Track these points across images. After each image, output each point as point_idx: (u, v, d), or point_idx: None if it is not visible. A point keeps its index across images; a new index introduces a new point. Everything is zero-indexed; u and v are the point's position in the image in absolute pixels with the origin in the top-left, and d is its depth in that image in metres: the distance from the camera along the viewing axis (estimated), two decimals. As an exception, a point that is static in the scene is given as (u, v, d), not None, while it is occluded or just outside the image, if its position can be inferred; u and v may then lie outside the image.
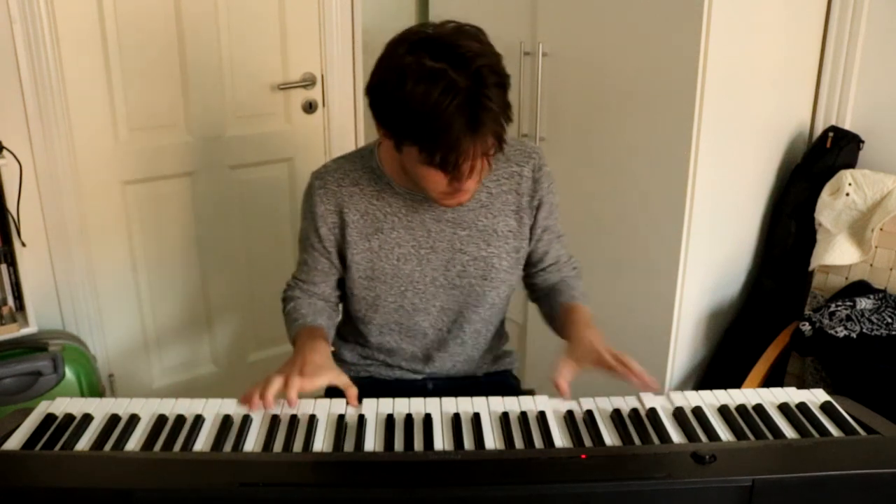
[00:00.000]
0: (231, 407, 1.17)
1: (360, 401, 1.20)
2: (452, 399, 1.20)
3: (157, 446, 1.08)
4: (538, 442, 1.10)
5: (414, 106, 1.09)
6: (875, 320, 1.82)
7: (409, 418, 1.14)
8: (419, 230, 1.37)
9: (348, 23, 2.39)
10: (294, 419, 1.13)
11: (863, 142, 2.06)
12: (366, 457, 1.06)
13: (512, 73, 1.17)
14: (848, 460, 1.02)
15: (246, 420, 1.13)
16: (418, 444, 1.09)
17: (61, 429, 1.10)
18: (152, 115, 2.15)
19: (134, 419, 1.13)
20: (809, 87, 2.14)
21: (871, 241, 1.93)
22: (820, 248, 2.01)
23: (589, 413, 1.15)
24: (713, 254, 2.01)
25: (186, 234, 2.31)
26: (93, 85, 2.04)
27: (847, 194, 1.97)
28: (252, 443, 1.10)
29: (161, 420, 1.13)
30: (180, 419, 1.13)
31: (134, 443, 1.09)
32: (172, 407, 1.17)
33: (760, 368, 1.88)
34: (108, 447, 1.07)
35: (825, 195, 2.01)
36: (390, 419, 1.15)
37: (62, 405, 1.17)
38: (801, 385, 1.67)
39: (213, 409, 1.17)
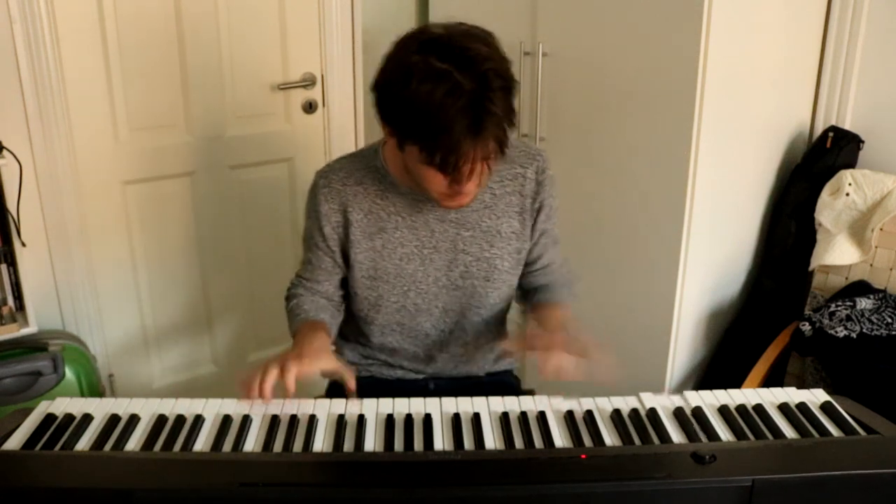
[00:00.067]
0: (231, 407, 1.17)
1: (360, 401, 1.20)
2: (452, 399, 1.20)
3: (157, 446, 1.08)
4: (538, 442, 1.10)
5: (417, 105, 1.09)
6: (875, 320, 1.82)
7: (409, 418, 1.14)
8: (422, 230, 1.37)
9: (348, 23, 2.39)
10: (294, 419, 1.13)
11: (863, 142, 2.06)
12: (366, 457, 1.06)
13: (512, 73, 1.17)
14: (848, 460, 1.02)
15: (246, 420, 1.13)
16: (418, 444, 1.09)
17: (61, 429, 1.11)
18: (152, 115, 2.15)
19: (134, 419, 1.13)
20: (809, 87, 2.14)
21: (871, 241, 1.93)
22: (820, 248, 2.01)
23: (589, 413, 1.15)
24: (713, 254, 2.01)
25: (186, 234, 2.31)
26: (93, 85, 2.04)
27: (847, 194, 1.97)
28: (252, 443, 1.10)
29: (161, 420, 1.13)
30: (180, 419, 1.14)
31: (134, 443, 1.09)
32: (172, 407, 1.17)
33: (760, 368, 1.88)
34: (108, 447, 1.07)
35: (825, 195, 2.01)
36: (390, 419, 1.15)
37: (62, 405, 1.17)
38: (801, 385, 1.67)
39: (213, 409, 1.17)
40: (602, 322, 2.11)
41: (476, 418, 1.14)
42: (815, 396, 1.22)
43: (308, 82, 2.38)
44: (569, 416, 1.15)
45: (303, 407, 1.17)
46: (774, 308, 2.14)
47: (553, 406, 1.18)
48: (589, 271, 2.09)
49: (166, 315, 2.35)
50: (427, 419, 1.14)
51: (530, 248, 1.45)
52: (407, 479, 0.97)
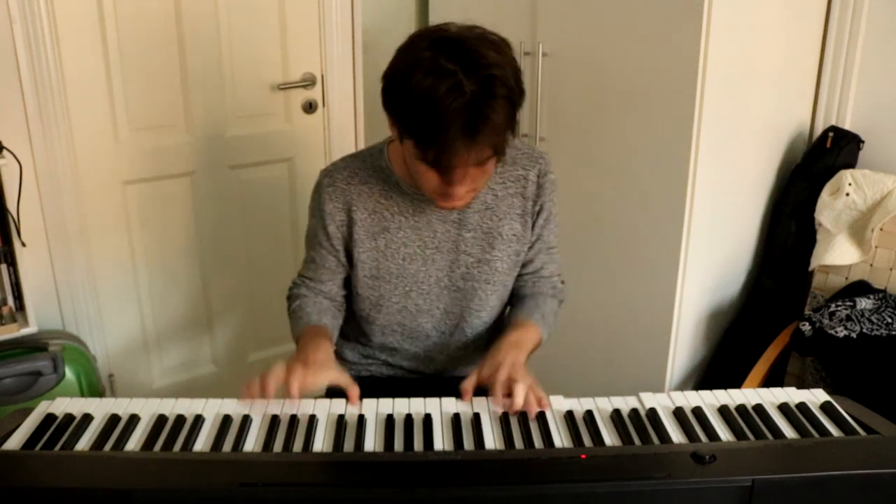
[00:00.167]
0: (231, 407, 1.17)
1: (360, 400, 1.20)
2: (452, 399, 1.20)
3: (157, 446, 1.08)
4: (538, 442, 1.10)
5: (417, 97, 1.10)
6: (875, 320, 1.82)
7: (409, 418, 1.14)
8: (425, 230, 1.37)
9: (348, 23, 2.39)
10: (294, 419, 1.13)
11: (863, 142, 2.06)
12: (366, 457, 1.06)
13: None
14: (848, 460, 1.02)
15: (246, 420, 1.13)
16: (418, 444, 1.09)
17: (61, 429, 1.11)
18: (152, 115, 2.15)
19: (134, 419, 1.13)
20: (809, 87, 2.14)
21: (871, 241, 1.93)
22: (820, 248, 2.01)
23: (589, 413, 1.15)
24: (713, 254, 2.01)
25: (187, 234, 2.31)
26: (93, 85, 2.04)
27: (847, 194, 1.97)
28: (252, 443, 1.10)
29: (161, 420, 1.13)
30: (180, 419, 1.13)
31: (134, 443, 1.09)
32: (172, 407, 1.17)
33: (760, 368, 1.88)
34: (108, 447, 1.07)
35: (825, 195, 2.01)
36: (390, 419, 1.15)
37: (62, 405, 1.17)
38: (801, 385, 1.67)
39: (213, 409, 1.17)
40: (602, 322, 2.11)
41: (476, 418, 1.14)
42: (815, 396, 1.22)
43: (308, 82, 2.38)
44: (569, 416, 1.15)
45: (303, 407, 1.17)
46: (774, 308, 2.14)
47: (553, 406, 1.18)
48: (589, 271, 2.09)
49: (166, 315, 2.35)
50: (427, 419, 1.14)
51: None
52: (407, 479, 0.97)
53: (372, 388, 1.38)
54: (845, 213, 1.98)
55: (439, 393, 1.22)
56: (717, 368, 2.16)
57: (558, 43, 2.02)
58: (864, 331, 1.80)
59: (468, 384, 1.22)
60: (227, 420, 1.13)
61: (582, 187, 2.05)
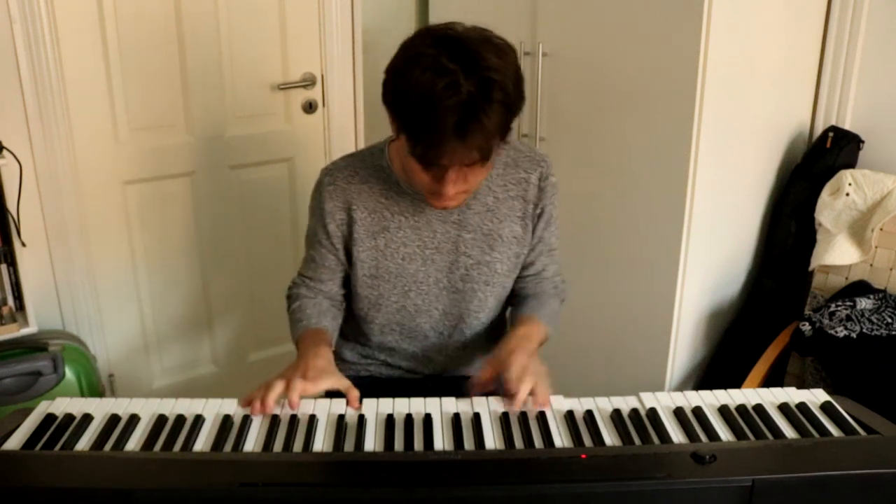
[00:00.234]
0: (231, 407, 1.18)
1: (360, 402, 1.20)
2: (452, 399, 1.20)
3: (157, 446, 1.08)
4: (538, 442, 1.10)
5: (414, 91, 1.10)
6: (875, 320, 1.82)
7: (409, 418, 1.14)
8: (425, 230, 1.37)
9: (348, 23, 2.39)
10: (294, 419, 1.13)
11: (863, 142, 2.06)
12: (366, 457, 1.06)
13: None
14: (848, 460, 1.02)
15: (246, 420, 1.13)
16: (418, 444, 1.09)
17: (61, 429, 1.10)
18: (152, 115, 2.15)
19: (134, 419, 1.13)
20: (809, 87, 2.14)
21: (871, 241, 1.93)
22: (820, 248, 2.01)
23: (589, 413, 1.15)
24: (713, 254, 2.01)
25: (187, 234, 2.31)
26: (93, 85, 2.04)
27: (847, 194, 1.97)
28: (252, 443, 1.10)
29: (161, 420, 1.13)
30: (180, 419, 1.13)
31: (134, 443, 1.09)
32: (172, 407, 1.17)
33: (760, 368, 1.88)
34: (108, 447, 1.07)
35: (825, 195, 2.01)
36: (390, 419, 1.15)
37: (62, 405, 1.17)
38: (801, 385, 1.67)
39: (213, 409, 1.17)
40: (602, 322, 2.11)
41: (476, 418, 1.14)
42: (815, 396, 1.22)
43: (308, 82, 2.38)
44: (569, 416, 1.15)
45: (303, 407, 1.17)
46: (774, 308, 2.14)
47: (553, 406, 1.18)
48: (589, 271, 2.09)
49: (166, 315, 2.35)
50: (427, 419, 1.14)
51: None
52: (407, 479, 0.97)
53: (371, 388, 1.38)
54: (845, 213, 1.98)
55: (439, 393, 1.22)
56: (717, 368, 2.16)
57: (558, 43, 2.02)
58: (864, 331, 1.80)
59: (481, 376, 1.23)
60: (227, 420, 1.13)
61: (582, 187, 2.05)
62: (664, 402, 1.20)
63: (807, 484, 0.97)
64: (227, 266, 2.40)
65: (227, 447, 1.08)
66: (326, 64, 2.39)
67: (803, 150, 2.16)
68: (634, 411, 1.16)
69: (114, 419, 1.13)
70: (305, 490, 0.96)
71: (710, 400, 1.21)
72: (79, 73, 2.00)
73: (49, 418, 1.13)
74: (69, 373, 1.90)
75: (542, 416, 1.15)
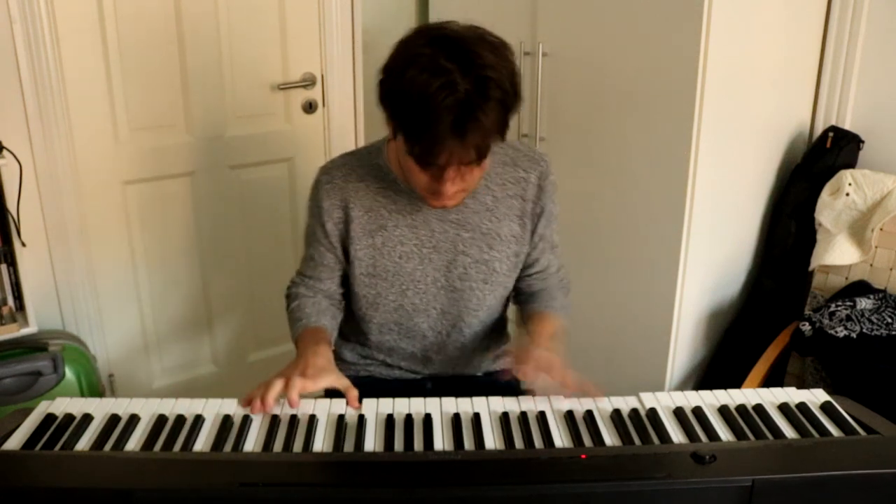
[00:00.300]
0: (231, 407, 1.17)
1: (360, 402, 1.20)
2: (452, 399, 1.20)
3: (157, 446, 1.08)
4: (538, 442, 1.10)
5: (410, 91, 1.10)
6: (875, 320, 1.82)
7: (409, 418, 1.14)
8: (423, 229, 1.37)
9: (348, 23, 2.39)
10: (294, 419, 1.13)
11: (863, 142, 2.06)
12: (366, 457, 1.06)
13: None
14: (848, 460, 1.02)
15: (246, 420, 1.13)
16: (418, 444, 1.09)
17: (61, 429, 1.10)
18: (152, 115, 2.15)
19: (134, 419, 1.13)
20: (809, 87, 2.14)
21: (871, 241, 1.93)
22: (820, 248, 2.01)
23: (589, 413, 1.15)
24: (713, 254, 2.01)
25: (187, 234, 2.31)
26: (93, 85, 2.04)
27: (847, 194, 1.97)
28: (252, 443, 1.10)
29: (161, 420, 1.13)
30: (180, 419, 1.13)
31: (134, 443, 1.09)
32: (172, 407, 1.17)
33: (760, 368, 1.88)
34: (108, 447, 1.07)
35: (825, 195, 2.01)
36: (390, 419, 1.15)
37: (62, 405, 1.17)
38: (801, 385, 1.67)
39: (213, 409, 1.17)
40: (602, 322, 2.11)
41: (476, 418, 1.14)
42: (815, 396, 1.22)
43: (308, 82, 2.38)
44: (569, 416, 1.15)
45: (303, 407, 1.17)
46: (774, 308, 2.14)
47: (553, 406, 1.19)
48: (589, 271, 2.09)
49: (166, 315, 2.35)
50: (427, 419, 1.14)
51: (528, 251, 1.45)
52: (407, 479, 0.97)
53: (371, 388, 1.38)
54: (845, 213, 1.98)
55: (439, 393, 1.22)
56: (717, 368, 2.16)
57: (558, 43, 2.02)
58: (864, 331, 1.80)
59: (521, 367, 1.24)
60: (227, 420, 1.13)
61: (582, 187, 2.05)
62: (664, 402, 1.20)
63: (807, 484, 0.97)
64: (227, 266, 2.40)
65: (227, 447, 1.08)
66: (326, 64, 2.39)
67: (803, 150, 2.16)
68: (634, 411, 1.16)
69: (114, 419, 1.13)
70: (305, 490, 0.96)
71: (710, 400, 1.21)
72: (79, 73, 2.00)
73: (49, 418, 1.13)
74: (69, 373, 1.90)
75: (542, 416, 1.15)
